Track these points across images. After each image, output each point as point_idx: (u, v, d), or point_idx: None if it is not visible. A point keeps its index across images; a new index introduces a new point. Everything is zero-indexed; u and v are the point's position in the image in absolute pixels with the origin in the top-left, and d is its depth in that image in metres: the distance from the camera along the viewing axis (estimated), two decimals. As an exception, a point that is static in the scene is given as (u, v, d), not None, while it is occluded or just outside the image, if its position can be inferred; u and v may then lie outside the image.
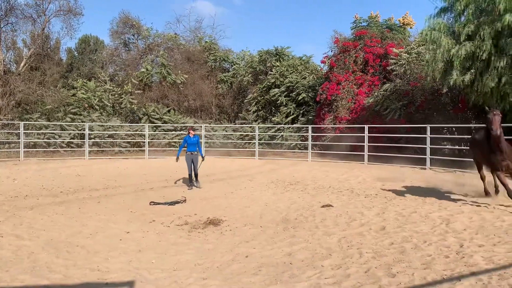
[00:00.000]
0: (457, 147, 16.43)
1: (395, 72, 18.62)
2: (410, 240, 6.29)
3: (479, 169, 9.48)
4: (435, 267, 5.05)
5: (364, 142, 16.79)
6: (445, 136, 16.78)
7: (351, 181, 13.00)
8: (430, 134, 14.71)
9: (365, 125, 16.96)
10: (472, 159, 10.53)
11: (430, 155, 14.76)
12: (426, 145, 14.75)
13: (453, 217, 7.61)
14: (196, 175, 12.60)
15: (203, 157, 12.97)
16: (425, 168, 14.61)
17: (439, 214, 7.93)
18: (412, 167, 15.00)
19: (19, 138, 18.28)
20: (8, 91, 21.08)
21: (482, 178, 9.45)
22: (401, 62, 18.40)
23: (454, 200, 9.31)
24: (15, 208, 9.02)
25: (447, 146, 16.87)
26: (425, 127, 14.86)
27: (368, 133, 16.69)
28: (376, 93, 18.76)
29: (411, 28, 23.82)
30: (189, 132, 12.71)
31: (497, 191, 9.15)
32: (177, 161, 12.77)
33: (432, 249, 5.79)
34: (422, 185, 11.64)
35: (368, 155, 16.73)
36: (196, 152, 12.58)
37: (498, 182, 8.74)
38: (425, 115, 16.53)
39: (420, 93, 16.83)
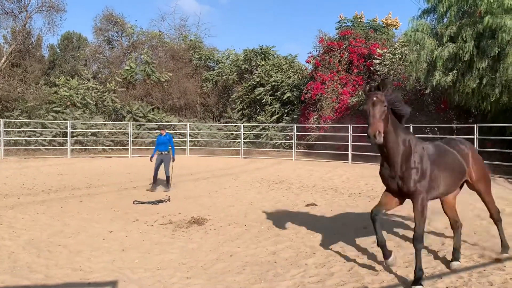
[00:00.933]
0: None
1: (379, 72, 18.80)
2: (394, 238, 6.36)
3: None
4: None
5: (348, 141, 16.92)
6: (427, 136, 17.01)
7: (335, 180, 13.10)
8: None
9: (349, 125, 17.09)
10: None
11: (412, 154, 14.92)
12: (409, 144, 14.90)
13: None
14: (167, 178, 11.84)
15: (173, 158, 12.04)
16: (407, 167, 14.78)
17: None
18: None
19: (-1, 136, 17.93)
20: (-12, 88, 20.69)
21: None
22: (385, 63, 18.58)
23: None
24: (-5, 207, 8.86)
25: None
26: (408, 126, 15.04)
27: (352, 133, 16.82)
28: (360, 93, 18.90)
29: (396, 29, 24.10)
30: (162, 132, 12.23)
31: None
32: (150, 160, 12.16)
33: (414, 247, 5.86)
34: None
35: (352, 154, 16.87)
36: (167, 152, 11.92)
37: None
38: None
39: (403, 93, 17.02)
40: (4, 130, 18.16)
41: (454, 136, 12.55)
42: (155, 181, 11.83)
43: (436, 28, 13.61)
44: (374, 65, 19.03)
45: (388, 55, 18.65)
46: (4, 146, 17.82)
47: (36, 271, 5.26)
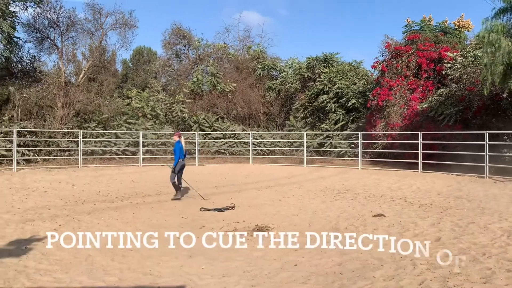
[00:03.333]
0: (519, 154, 15.50)
1: (450, 77, 17.91)
2: (468, 252, 5.98)
3: None
4: (495, 282, 4.76)
5: (418, 150, 16.23)
6: (505, 143, 15.87)
7: (404, 190, 12.59)
8: (488, 141, 13.97)
9: (419, 132, 16.41)
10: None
11: (488, 163, 14.02)
12: (484, 152, 14.03)
13: (516, 229, 7.16)
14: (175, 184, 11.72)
15: (171, 166, 11.91)
16: (483, 177, 13.88)
17: (500, 226, 7.49)
18: (470, 176, 14.29)
19: (78, 146, 19.27)
20: (69, 101, 22.28)
21: None
22: (456, 66, 17.67)
23: (517, 211, 8.77)
24: (74, 213, 9.48)
25: (507, 154, 15.94)
26: (483, 133, 14.14)
27: (422, 140, 16.12)
28: (430, 99, 18.12)
29: (468, 31, 22.83)
30: (178, 137, 11.87)
31: None
32: (174, 170, 11.74)
33: (492, 262, 5.48)
34: (480, 194, 11.06)
35: (422, 163, 16.15)
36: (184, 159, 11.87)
37: None
38: (482, 121, 15.75)
39: (477, 98, 16.06)
40: (83, 141, 19.51)
41: None
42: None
43: (514, 28, 12.75)
44: (445, 70, 18.18)
45: (460, 58, 17.72)
46: (82, 155, 19.14)
47: (110, 274, 5.55)
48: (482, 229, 7.35)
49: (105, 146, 21.32)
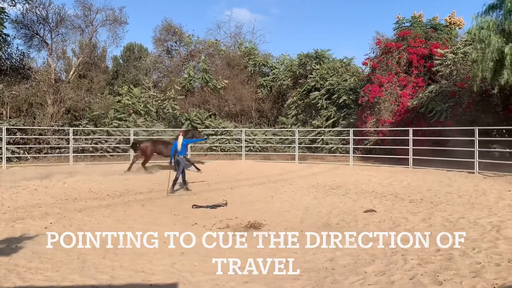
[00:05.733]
0: (508, 150, 15.66)
1: (440, 73, 18.02)
2: (458, 247, 6.05)
3: None
4: (485, 276, 4.83)
5: (408, 146, 16.34)
6: (494, 138, 16.04)
7: (395, 185, 12.68)
8: (478, 137, 14.10)
9: (410, 128, 16.51)
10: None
11: (478, 158, 14.15)
12: (474, 148, 14.16)
13: (504, 224, 7.25)
14: (177, 180, 12.29)
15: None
16: (473, 172, 14.03)
17: (489, 220, 7.58)
18: (460, 171, 14.43)
19: (68, 143, 19.13)
20: (59, 98, 22.10)
21: None
22: (446, 63, 17.78)
23: (505, 206, 8.88)
24: (65, 211, 9.43)
25: (497, 149, 16.10)
26: (473, 129, 14.27)
27: (413, 136, 16.23)
28: (420, 95, 18.22)
29: (459, 28, 22.97)
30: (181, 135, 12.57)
31: None
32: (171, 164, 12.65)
33: (482, 257, 5.54)
34: (470, 189, 11.17)
35: (412, 158, 16.26)
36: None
37: None
38: (472, 117, 15.88)
39: (467, 94, 16.18)
40: (73, 138, 19.37)
41: None
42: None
43: (503, 24, 12.81)
44: (435, 66, 18.28)
45: (450, 55, 17.83)
46: (73, 153, 19.00)
47: (102, 272, 5.54)
48: (472, 224, 7.43)
49: (96, 144, 21.19)
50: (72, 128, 19.71)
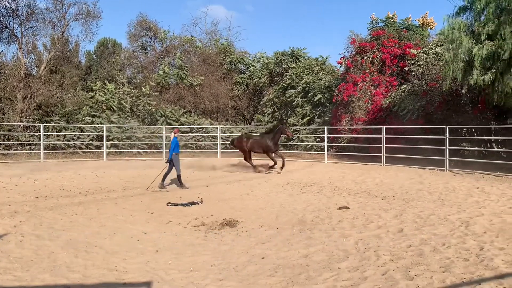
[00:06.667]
0: (476, 148, 16.14)
1: (412, 73, 18.40)
2: (429, 243, 6.20)
3: None
4: (454, 270, 4.97)
5: (381, 144, 16.63)
6: (464, 137, 16.50)
7: (368, 182, 12.89)
8: (449, 135, 14.48)
9: (383, 126, 16.81)
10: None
11: (449, 156, 14.54)
12: (444, 146, 14.54)
13: (473, 220, 7.48)
14: (178, 176, 12.57)
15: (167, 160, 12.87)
16: (444, 170, 14.39)
17: (458, 217, 7.81)
18: (431, 169, 14.79)
19: (39, 140, 18.65)
20: (29, 93, 21.50)
21: None
22: (419, 63, 18.17)
23: (473, 203, 9.15)
24: (36, 209, 9.19)
25: (467, 148, 16.59)
26: (444, 128, 14.64)
27: (386, 134, 16.53)
28: (393, 94, 18.57)
29: (431, 29, 23.49)
30: (175, 133, 12.73)
31: None
32: (166, 163, 12.78)
33: (451, 252, 5.71)
34: (440, 187, 11.47)
35: (385, 156, 16.56)
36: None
37: None
38: (443, 116, 16.29)
39: (438, 94, 16.58)
40: (44, 134, 18.89)
41: None
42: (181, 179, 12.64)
43: (473, 26, 13.17)
44: (408, 66, 18.66)
45: (422, 55, 18.23)
46: (44, 150, 18.53)
47: (74, 271, 5.43)
48: (442, 220, 7.63)
49: (68, 140, 20.73)
50: (43, 124, 19.23)
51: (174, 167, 12.52)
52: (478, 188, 10.96)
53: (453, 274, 4.84)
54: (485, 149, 15.67)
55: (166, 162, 12.80)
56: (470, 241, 6.18)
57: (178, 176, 12.56)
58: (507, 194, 9.90)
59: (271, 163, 15.89)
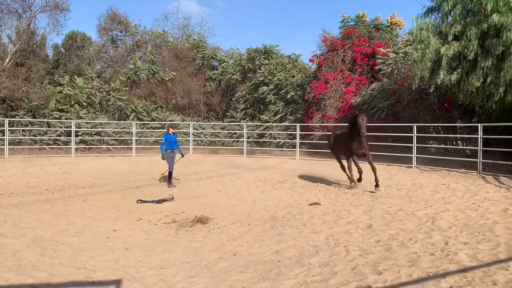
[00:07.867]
0: (442, 146, 16.61)
1: (382, 72, 18.75)
2: (396, 238, 6.36)
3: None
4: (420, 265, 5.12)
5: (351, 141, 16.83)
6: (431, 135, 16.96)
7: (339, 179, 13.07)
8: (416, 133, 14.84)
9: (353, 124, 17.02)
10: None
11: (416, 154, 14.90)
12: (412, 144, 14.89)
13: (439, 215, 7.72)
14: (170, 173, 12.41)
15: (183, 155, 12.82)
16: (411, 167, 14.75)
17: (425, 212, 8.03)
18: (399, 166, 15.13)
19: (3, 135, 18.01)
20: (-7, 87, 20.77)
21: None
22: (388, 62, 18.53)
23: (440, 199, 9.43)
24: (0, 206, 8.90)
25: (433, 145, 17.06)
26: (412, 126, 14.99)
27: (356, 132, 16.74)
28: (363, 92, 18.87)
29: (400, 28, 23.98)
30: (168, 130, 12.61)
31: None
32: (163, 159, 12.54)
33: (418, 247, 5.87)
34: (408, 183, 11.76)
35: (355, 153, 16.78)
36: (175, 150, 12.55)
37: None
38: (411, 114, 16.68)
39: (407, 92, 16.97)
40: (9, 129, 18.27)
41: None
42: (171, 177, 12.41)
43: (441, 26, 13.52)
44: (378, 65, 18.99)
45: (391, 54, 18.60)
46: (9, 145, 17.92)
47: (40, 270, 5.29)
48: (410, 216, 7.83)
49: (34, 136, 20.12)
50: (8, 119, 18.58)
51: (173, 162, 12.44)
52: (444, 184, 11.31)
53: (419, 268, 4.98)
54: (451, 146, 16.14)
55: (163, 159, 12.54)
56: (436, 236, 6.37)
57: (170, 173, 12.35)
58: (471, 191, 10.25)
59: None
